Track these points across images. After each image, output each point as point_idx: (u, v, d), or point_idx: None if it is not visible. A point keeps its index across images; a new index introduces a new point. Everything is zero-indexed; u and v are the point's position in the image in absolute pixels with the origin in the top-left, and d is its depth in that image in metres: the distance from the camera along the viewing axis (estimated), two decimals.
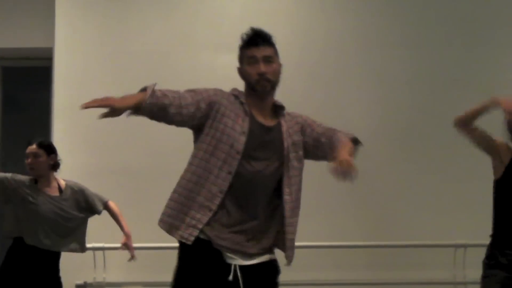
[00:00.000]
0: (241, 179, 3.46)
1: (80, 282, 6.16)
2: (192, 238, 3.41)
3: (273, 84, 3.64)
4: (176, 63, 6.54)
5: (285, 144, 3.62)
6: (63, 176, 5.42)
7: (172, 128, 6.45)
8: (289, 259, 3.62)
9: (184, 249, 3.50)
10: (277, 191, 3.60)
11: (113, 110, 3.31)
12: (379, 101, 6.63)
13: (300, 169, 3.76)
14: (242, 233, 3.47)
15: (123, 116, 6.57)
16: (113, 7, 6.66)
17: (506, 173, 4.51)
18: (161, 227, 3.59)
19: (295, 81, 6.54)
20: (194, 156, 3.57)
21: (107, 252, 6.17)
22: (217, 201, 3.42)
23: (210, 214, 3.41)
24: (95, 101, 3.30)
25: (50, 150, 5.25)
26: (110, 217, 5.50)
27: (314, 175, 6.45)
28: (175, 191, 3.59)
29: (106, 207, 5.42)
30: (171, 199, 3.61)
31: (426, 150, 6.55)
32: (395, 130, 6.59)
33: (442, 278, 6.33)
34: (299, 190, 3.73)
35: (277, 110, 3.73)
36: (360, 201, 6.49)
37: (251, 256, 3.50)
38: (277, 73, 3.66)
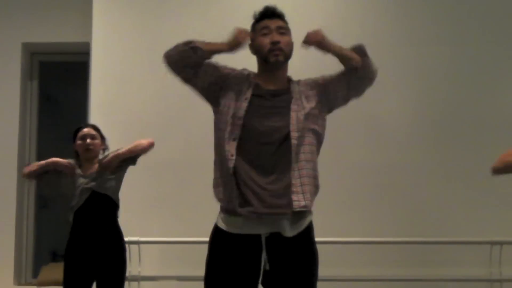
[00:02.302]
0: (252, 140, 3.38)
1: None
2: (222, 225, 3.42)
3: (285, 55, 3.57)
4: (214, 57, 6.54)
5: (293, 108, 3.48)
6: None
7: (209, 121, 6.49)
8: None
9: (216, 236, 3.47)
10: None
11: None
12: (414, 97, 6.60)
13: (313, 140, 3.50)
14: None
15: (160, 111, 6.64)
16: (151, 1, 6.69)
17: None
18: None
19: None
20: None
21: (142, 245, 6.20)
22: (231, 171, 3.31)
23: (229, 189, 3.33)
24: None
25: (103, 134, 5.30)
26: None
27: (347, 171, 6.50)
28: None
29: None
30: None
31: (463, 146, 6.51)
32: (429, 125, 6.56)
33: (477, 275, 6.27)
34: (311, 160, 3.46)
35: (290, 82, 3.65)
36: (395, 196, 6.47)
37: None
38: (290, 45, 3.61)
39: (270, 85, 3.58)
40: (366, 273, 6.30)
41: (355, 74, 3.69)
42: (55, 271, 6.00)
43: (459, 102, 6.59)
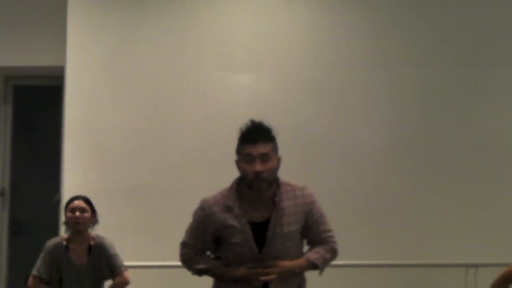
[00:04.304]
0: None
1: None
2: None
3: (269, 182, 3.70)
4: (187, 82, 6.55)
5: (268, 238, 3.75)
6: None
7: (182, 146, 6.52)
8: None
9: None
10: None
11: None
12: (387, 120, 6.61)
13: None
14: None
15: (134, 135, 6.63)
16: (125, 26, 6.67)
17: None
18: None
19: (304, 99, 6.56)
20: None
21: None
22: None
23: None
24: None
25: (94, 208, 5.30)
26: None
27: (323, 197, 6.49)
28: None
29: (120, 275, 5.34)
30: None
31: (436, 169, 6.54)
32: (403, 149, 6.58)
33: None
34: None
35: (276, 200, 3.80)
36: (370, 220, 6.47)
37: None
38: (273, 171, 3.74)
39: (255, 212, 3.77)
40: None
41: None
42: None
43: (432, 126, 6.61)
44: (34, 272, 5.15)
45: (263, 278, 3.67)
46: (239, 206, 3.74)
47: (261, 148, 3.65)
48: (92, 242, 5.20)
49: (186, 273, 4.07)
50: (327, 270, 6.21)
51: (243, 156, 3.70)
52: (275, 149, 3.75)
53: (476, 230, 6.34)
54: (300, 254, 3.89)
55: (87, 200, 5.23)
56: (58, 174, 6.63)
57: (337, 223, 6.37)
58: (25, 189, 7.50)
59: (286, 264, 3.75)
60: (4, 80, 7.41)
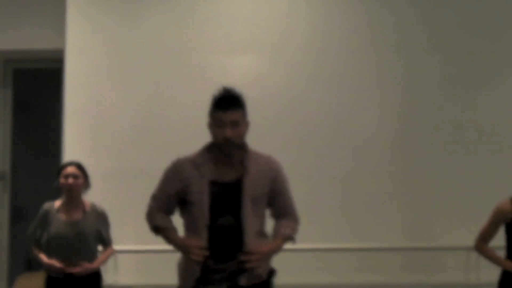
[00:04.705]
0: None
1: None
2: None
3: (237, 146, 3.91)
4: (187, 65, 6.53)
5: (243, 201, 3.90)
6: None
7: (184, 130, 6.49)
8: None
9: None
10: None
11: None
12: (389, 104, 6.58)
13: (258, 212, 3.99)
14: None
15: (134, 118, 6.61)
16: (125, 8, 6.64)
17: None
18: None
19: (303, 81, 6.54)
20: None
21: (118, 255, 6.14)
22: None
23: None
24: None
25: (86, 173, 5.32)
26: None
27: (323, 179, 6.48)
28: None
29: (110, 247, 5.44)
30: None
31: (438, 152, 6.52)
32: (407, 133, 6.56)
33: (455, 281, 6.29)
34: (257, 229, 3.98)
35: (245, 164, 3.97)
36: (372, 203, 6.46)
37: None
38: (242, 135, 3.95)
39: (224, 172, 3.96)
40: (345, 280, 6.30)
41: None
42: (31, 280, 5.95)
43: (428, 109, 6.59)
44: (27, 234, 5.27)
45: (250, 264, 3.82)
46: (207, 167, 3.94)
47: (232, 115, 3.87)
48: (87, 208, 5.26)
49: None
50: (330, 253, 6.26)
51: (215, 121, 3.91)
52: (244, 115, 3.96)
53: (477, 213, 6.31)
54: (260, 228, 4.01)
55: (79, 166, 5.28)
56: (58, 157, 6.61)
57: (336, 206, 6.44)
58: (25, 173, 7.49)
59: (266, 249, 3.93)
60: (4, 64, 7.39)
